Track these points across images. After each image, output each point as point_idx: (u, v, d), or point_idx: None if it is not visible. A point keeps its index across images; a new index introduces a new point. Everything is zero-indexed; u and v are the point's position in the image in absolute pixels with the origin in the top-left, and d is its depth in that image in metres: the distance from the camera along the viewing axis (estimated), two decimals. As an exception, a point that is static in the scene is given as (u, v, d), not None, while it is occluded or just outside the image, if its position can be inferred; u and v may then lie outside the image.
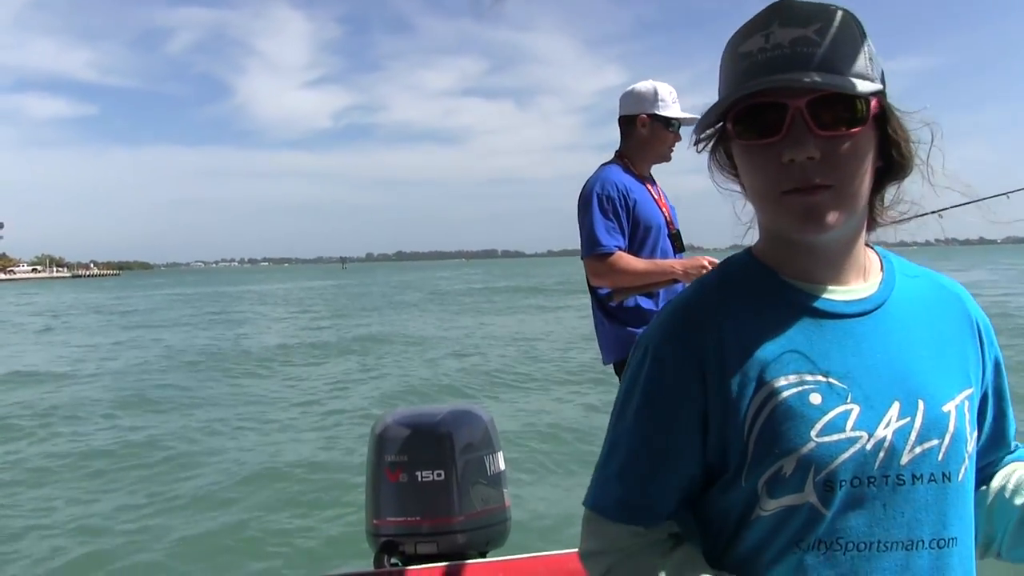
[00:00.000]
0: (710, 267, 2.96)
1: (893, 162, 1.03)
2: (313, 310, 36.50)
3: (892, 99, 1.02)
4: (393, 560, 2.51)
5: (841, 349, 1.00)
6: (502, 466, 2.69)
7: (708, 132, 1.06)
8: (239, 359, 18.10)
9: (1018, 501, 1.08)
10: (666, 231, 3.22)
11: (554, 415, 10.46)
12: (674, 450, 1.03)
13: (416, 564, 2.50)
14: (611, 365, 3.17)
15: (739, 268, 1.10)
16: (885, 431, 0.96)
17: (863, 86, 0.94)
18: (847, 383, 0.98)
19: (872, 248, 1.11)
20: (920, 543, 0.97)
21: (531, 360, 15.81)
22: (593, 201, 3.10)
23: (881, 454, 0.95)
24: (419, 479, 2.53)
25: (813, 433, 0.95)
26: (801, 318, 1.02)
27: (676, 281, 3.06)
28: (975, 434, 1.03)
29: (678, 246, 3.25)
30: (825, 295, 1.03)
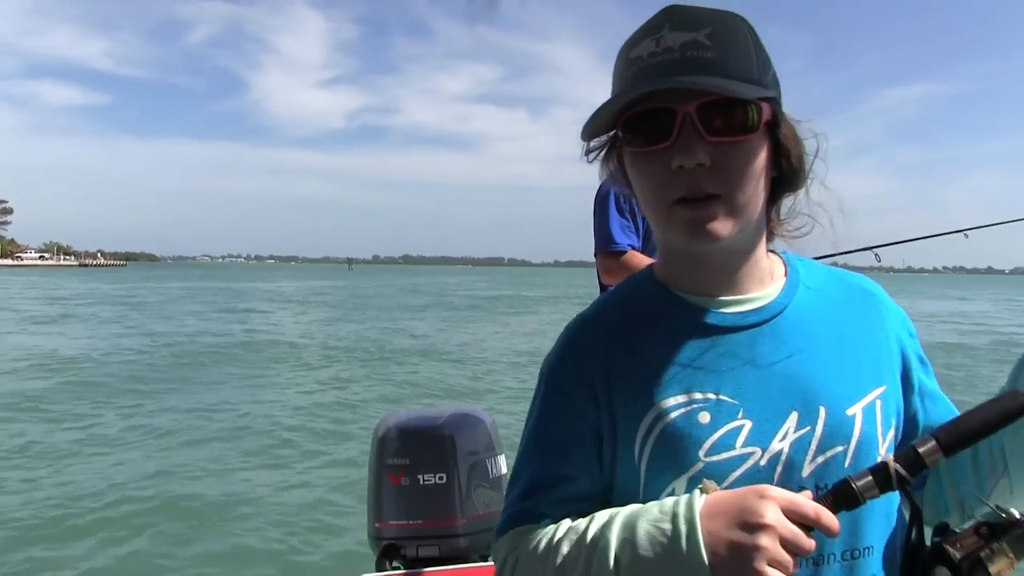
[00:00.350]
0: None
1: (784, 172, 0.99)
2: (323, 311, 36.40)
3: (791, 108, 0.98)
4: (395, 563, 2.51)
5: (734, 364, 0.97)
6: (504, 469, 2.69)
7: (601, 140, 1.02)
8: (246, 357, 18.06)
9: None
10: None
11: None
12: (570, 473, 1.00)
13: (418, 567, 2.50)
14: None
15: (635, 285, 1.09)
16: (781, 444, 0.93)
17: (754, 91, 0.91)
18: (738, 399, 0.95)
19: (778, 254, 1.08)
20: (831, 556, 0.93)
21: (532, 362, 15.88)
22: (610, 199, 3.08)
23: (779, 468, 0.93)
24: (421, 482, 2.54)
25: (701, 453, 0.93)
26: (692, 335, 0.99)
27: None
28: (891, 433, 0.98)
29: None
30: (719, 308, 1.00)
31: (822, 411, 0.95)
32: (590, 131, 0.98)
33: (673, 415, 0.95)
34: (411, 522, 2.53)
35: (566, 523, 0.96)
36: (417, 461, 2.56)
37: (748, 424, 0.94)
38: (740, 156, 0.92)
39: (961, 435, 0.89)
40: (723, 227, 0.92)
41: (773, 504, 0.84)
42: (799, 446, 0.94)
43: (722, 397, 0.95)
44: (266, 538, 6.39)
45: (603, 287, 3.21)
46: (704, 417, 0.94)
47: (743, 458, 0.93)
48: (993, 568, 0.88)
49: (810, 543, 0.84)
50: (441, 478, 2.55)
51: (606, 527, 0.91)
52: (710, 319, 1.00)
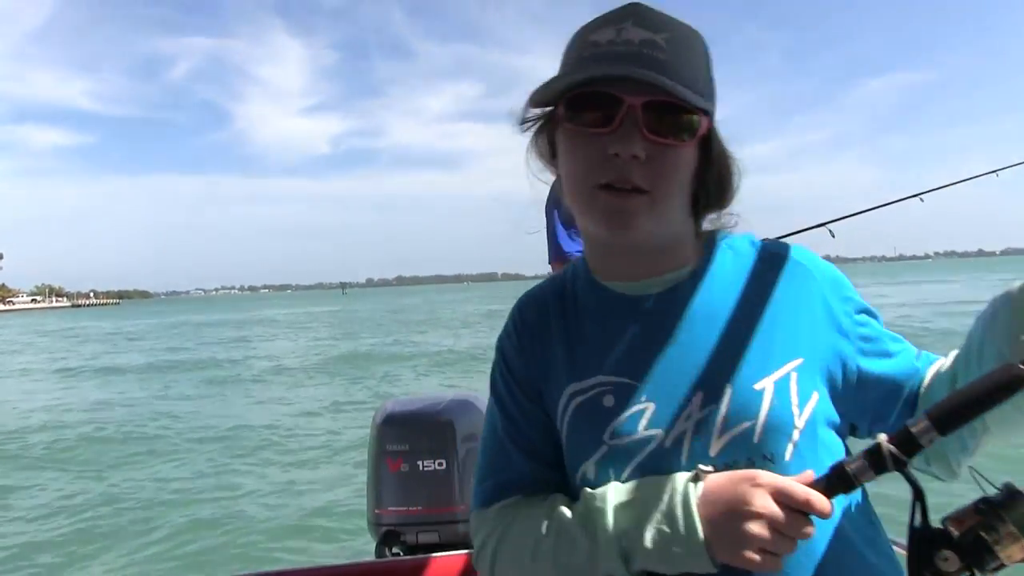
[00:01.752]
0: None
1: (710, 190, 1.01)
2: (320, 336, 36.52)
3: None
4: (395, 549, 2.47)
5: (640, 346, 0.99)
6: None
7: (536, 113, 1.03)
8: (241, 371, 18.13)
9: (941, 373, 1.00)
10: None
11: None
12: (521, 432, 1.05)
13: (418, 553, 2.46)
14: None
15: (571, 269, 1.12)
16: (685, 424, 0.93)
17: (699, 101, 0.93)
18: (643, 381, 0.97)
19: (708, 234, 1.07)
20: None
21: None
22: (555, 208, 3.01)
23: (684, 448, 0.93)
24: (420, 468, 2.50)
25: (606, 436, 0.95)
26: (604, 317, 1.03)
27: None
28: (810, 404, 0.95)
29: None
30: (628, 291, 1.03)
31: (728, 389, 0.94)
32: (536, 100, 0.99)
33: (580, 399, 0.99)
34: (411, 508, 2.48)
35: (553, 507, 0.98)
36: (416, 447, 2.52)
37: (651, 407, 0.95)
38: (672, 160, 0.94)
39: (956, 412, 0.84)
40: (642, 223, 0.94)
41: (762, 491, 0.85)
42: (704, 425, 0.93)
43: (626, 380, 0.97)
44: (266, 526, 6.44)
45: None
46: (608, 401, 0.97)
47: (646, 441, 0.94)
48: (1004, 553, 0.81)
49: (807, 528, 0.85)
50: (441, 464, 2.51)
51: (599, 515, 0.92)
52: (620, 303, 1.03)
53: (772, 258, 1.04)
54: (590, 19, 0.99)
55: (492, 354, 1.13)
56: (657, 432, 0.94)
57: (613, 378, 0.98)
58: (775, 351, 0.97)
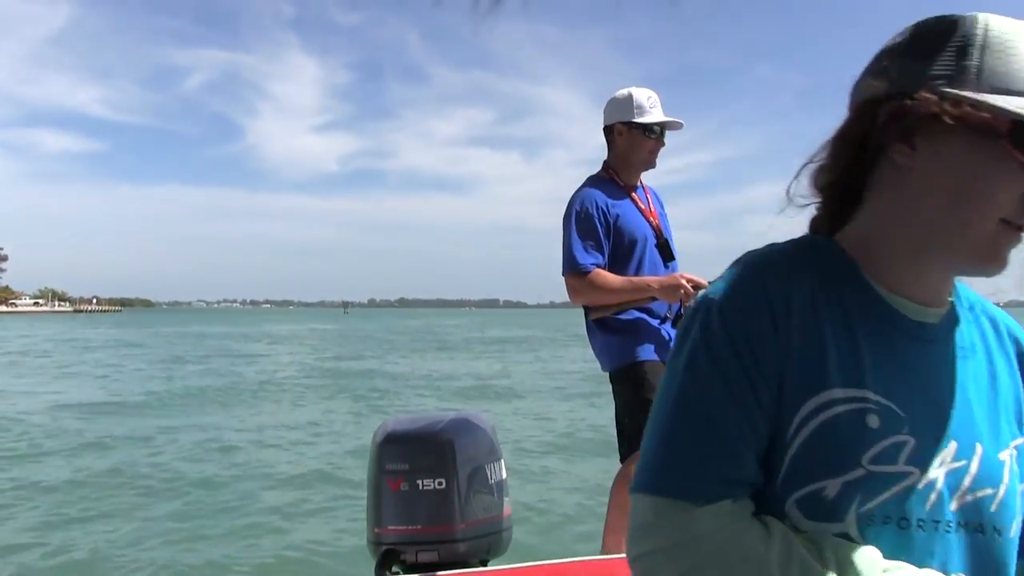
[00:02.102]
0: (688, 284, 3.00)
1: None
2: (320, 351, 36.46)
3: None
4: (394, 569, 2.48)
5: (907, 374, 0.90)
6: (503, 474, 2.66)
7: (975, 110, 0.85)
8: (245, 390, 18.09)
9: None
10: (653, 241, 3.18)
11: (555, 424, 10.43)
12: (756, 430, 0.87)
13: (417, 573, 2.47)
14: (608, 373, 3.17)
15: (821, 251, 0.97)
16: (938, 472, 0.86)
17: None
18: (907, 411, 0.87)
19: None
20: (950, 524, 0.87)
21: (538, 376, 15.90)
22: (572, 219, 3.10)
23: (932, 496, 0.86)
24: (420, 487, 2.50)
25: (865, 460, 0.84)
26: (877, 330, 0.91)
27: (653, 298, 3.08)
28: (1021, 487, 0.91)
29: (666, 255, 3.20)
30: (904, 312, 0.93)
31: (978, 448, 0.89)
32: (971, 108, 0.85)
33: (842, 408, 0.86)
34: (410, 527, 2.48)
35: (791, 543, 0.82)
36: (416, 466, 2.52)
37: (912, 441, 0.86)
38: None
39: None
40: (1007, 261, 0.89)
41: None
42: (953, 478, 0.87)
43: (892, 405, 0.87)
44: (265, 544, 6.41)
45: (586, 309, 3.18)
46: (873, 421, 0.86)
47: (903, 476, 0.85)
48: None
49: None
50: (440, 483, 2.50)
51: None
52: (896, 320, 0.93)
53: (996, 323, 1.01)
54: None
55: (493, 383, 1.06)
56: (914, 470, 0.85)
57: (880, 399, 0.87)
58: (1008, 424, 0.93)
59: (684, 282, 3.00)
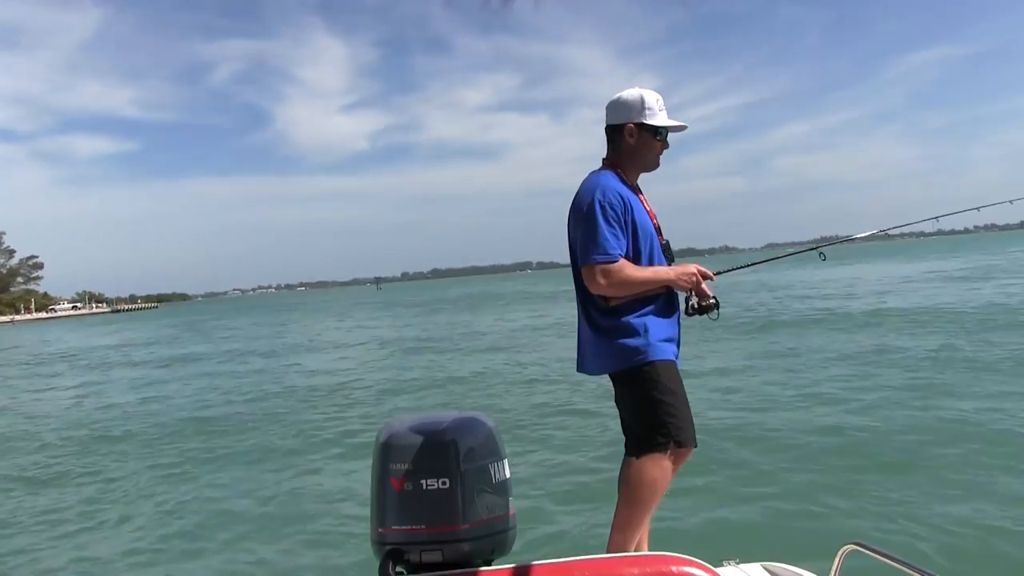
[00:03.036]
0: (698, 274, 3.12)
1: None
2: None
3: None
4: (398, 568, 2.49)
5: None
6: (507, 474, 2.66)
7: None
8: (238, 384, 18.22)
9: None
10: (657, 240, 3.18)
11: (561, 422, 10.44)
12: None
13: (421, 573, 2.49)
14: (613, 374, 3.10)
15: None
16: None
17: None
18: None
19: None
20: None
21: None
22: (596, 208, 3.04)
23: None
24: (424, 487, 2.51)
25: None
26: None
27: (670, 289, 3.11)
28: None
29: (669, 256, 3.22)
30: None
31: None
32: None
33: None
34: (414, 527, 2.49)
35: None
36: (420, 466, 2.53)
37: None
38: None
39: None
40: None
41: None
42: None
43: None
44: (269, 545, 6.51)
45: (587, 297, 3.11)
46: None
47: None
48: None
49: None
50: (444, 483, 2.51)
51: None
52: None
53: None
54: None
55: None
56: None
57: None
58: None
59: (696, 272, 3.12)
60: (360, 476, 7.99)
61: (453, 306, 55.37)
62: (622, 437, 3.12)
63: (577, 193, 3.17)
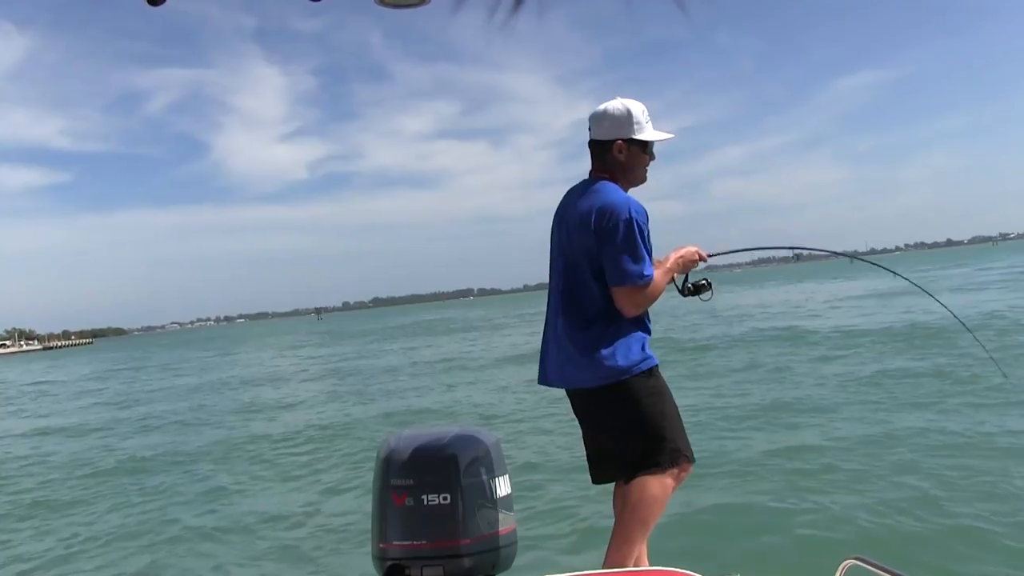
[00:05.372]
0: (698, 254, 3.14)
1: None
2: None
3: None
4: (399, 583, 2.49)
5: None
6: (508, 489, 2.65)
7: None
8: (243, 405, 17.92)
9: None
10: None
11: (556, 438, 10.45)
12: None
13: (422, 587, 2.48)
14: (596, 387, 2.96)
15: None
16: None
17: None
18: None
19: None
20: None
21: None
22: (635, 227, 2.89)
23: None
24: (425, 502, 2.51)
25: None
26: None
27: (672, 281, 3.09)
28: None
29: None
30: None
31: None
32: None
33: None
34: (415, 543, 2.49)
35: None
36: (421, 481, 2.52)
37: None
38: None
39: None
40: None
41: None
42: None
43: None
44: (271, 560, 6.42)
45: (568, 308, 2.99)
46: None
47: None
48: None
49: None
50: (445, 498, 2.51)
51: None
52: None
53: None
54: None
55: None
56: None
57: None
58: None
59: (696, 252, 3.14)
60: (355, 493, 8.03)
61: (403, 332, 54.93)
62: None
63: (595, 205, 2.95)
